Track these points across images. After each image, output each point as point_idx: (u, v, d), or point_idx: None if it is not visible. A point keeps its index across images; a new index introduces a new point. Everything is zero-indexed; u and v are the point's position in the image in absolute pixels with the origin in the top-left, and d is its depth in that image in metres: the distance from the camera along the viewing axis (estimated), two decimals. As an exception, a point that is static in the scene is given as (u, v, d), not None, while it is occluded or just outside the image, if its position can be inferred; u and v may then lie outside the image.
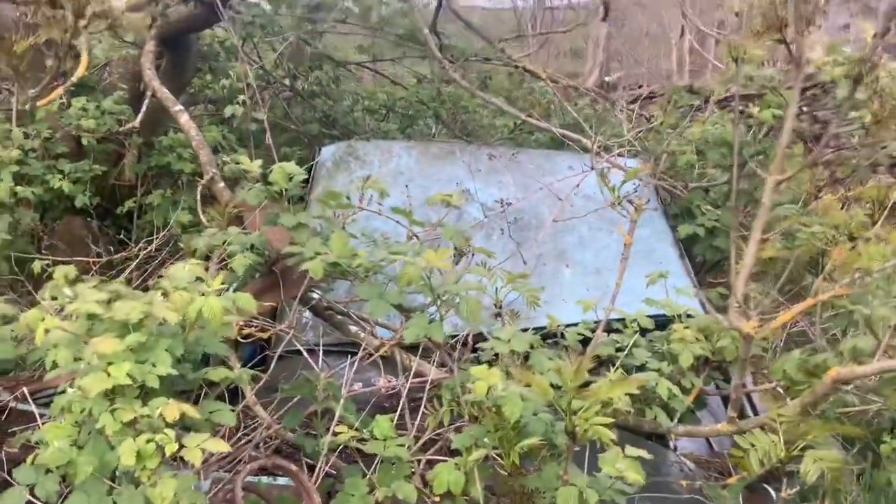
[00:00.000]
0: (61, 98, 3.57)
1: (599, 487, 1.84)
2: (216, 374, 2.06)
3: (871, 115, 1.71)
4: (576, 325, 2.91)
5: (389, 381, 2.82)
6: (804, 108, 4.63)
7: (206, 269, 2.56)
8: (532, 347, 2.42)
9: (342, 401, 2.20)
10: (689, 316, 2.79)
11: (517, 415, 1.83)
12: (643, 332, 2.75)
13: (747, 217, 3.51)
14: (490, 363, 2.19)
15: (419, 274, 2.12)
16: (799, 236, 2.97)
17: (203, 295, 1.94)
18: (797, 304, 2.84)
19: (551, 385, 1.99)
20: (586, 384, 2.06)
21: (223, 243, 2.63)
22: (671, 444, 3.52)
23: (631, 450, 1.85)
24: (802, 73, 1.77)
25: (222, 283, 2.08)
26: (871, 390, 2.90)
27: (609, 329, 2.85)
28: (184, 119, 3.41)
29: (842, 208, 3.21)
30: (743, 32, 1.88)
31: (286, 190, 2.48)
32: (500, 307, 2.67)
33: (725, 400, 3.16)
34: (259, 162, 2.49)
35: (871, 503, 2.84)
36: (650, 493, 2.66)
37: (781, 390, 2.79)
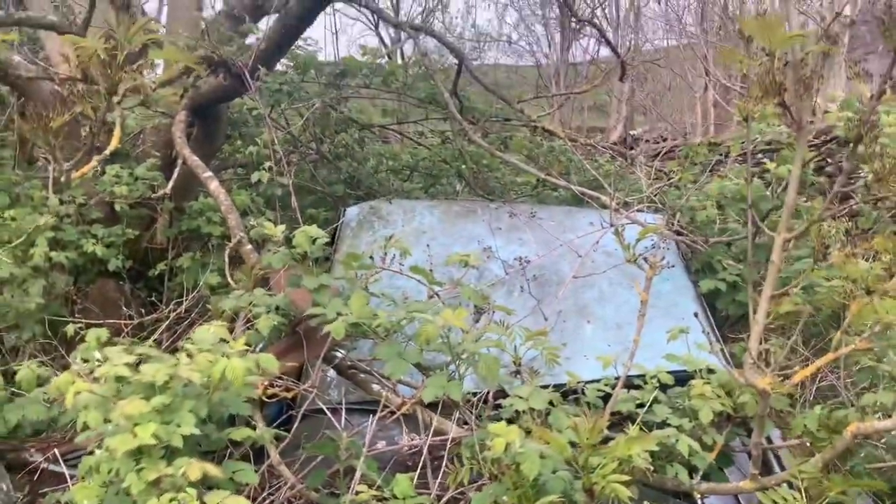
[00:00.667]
0: (96, 166, 3.73)
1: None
2: (239, 433, 2.11)
3: (872, 172, 1.75)
4: (597, 381, 2.92)
5: (412, 440, 2.85)
6: (827, 161, 4.66)
7: (232, 330, 2.65)
8: (552, 404, 2.44)
9: (362, 459, 2.23)
10: (710, 371, 2.79)
11: (535, 472, 1.85)
12: (664, 388, 2.75)
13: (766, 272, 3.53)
14: (510, 420, 2.22)
15: (437, 332, 2.17)
16: (819, 290, 2.97)
17: (226, 356, 2.01)
18: (819, 359, 2.84)
19: (570, 442, 2.02)
20: (606, 441, 2.08)
21: (249, 304, 2.71)
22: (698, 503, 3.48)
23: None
24: (804, 136, 1.82)
25: (247, 344, 2.15)
26: (899, 446, 2.87)
27: (630, 385, 2.86)
28: (213, 185, 3.53)
29: (867, 260, 3.22)
30: (747, 95, 1.94)
31: (309, 252, 2.56)
32: (519, 365, 2.70)
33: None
34: (282, 227, 2.58)
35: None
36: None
37: (809, 446, 2.77)
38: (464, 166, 5.22)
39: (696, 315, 2.11)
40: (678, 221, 4.03)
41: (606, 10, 19.67)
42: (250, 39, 4.37)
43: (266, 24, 4.43)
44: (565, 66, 19.54)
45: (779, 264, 1.95)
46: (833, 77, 10.43)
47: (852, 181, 2.19)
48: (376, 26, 18.68)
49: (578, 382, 2.82)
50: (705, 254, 3.82)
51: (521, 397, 2.26)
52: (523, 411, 2.33)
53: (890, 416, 2.52)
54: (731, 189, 3.81)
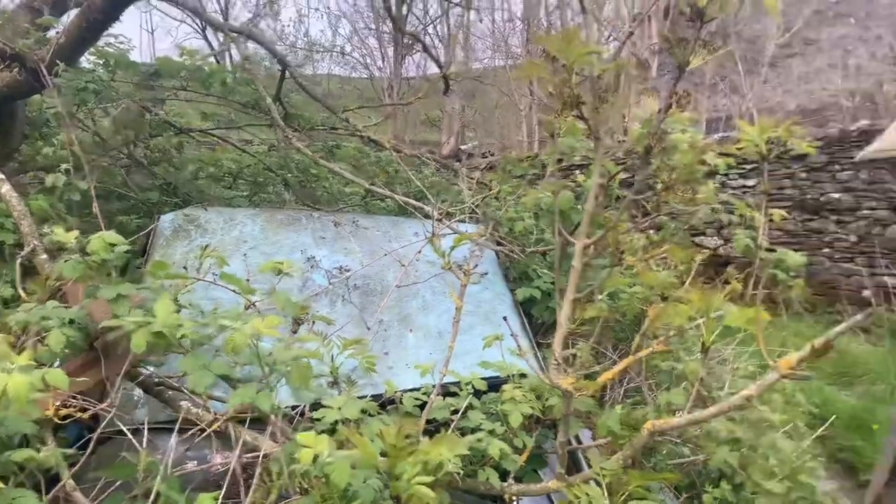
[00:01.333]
0: None
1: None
2: (19, 454, 1.92)
3: (661, 182, 1.87)
4: (416, 390, 2.94)
5: (226, 457, 2.73)
6: (632, 175, 4.98)
7: (17, 345, 2.41)
8: (368, 414, 2.41)
9: (158, 479, 2.09)
10: (522, 376, 2.88)
11: (344, 482, 1.81)
12: (478, 394, 2.81)
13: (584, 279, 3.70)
14: (329, 432, 2.17)
15: (245, 342, 2.08)
16: (621, 297, 3.15)
17: (6, 372, 1.82)
18: (622, 362, 3.01)
19: (382, 452, 2.00)
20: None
21: (40, 319, 2.48)
22: (514, 505, 3.58)
23: (458, 512, 1.87)
24: (601, 148, 1.91)
25: (36, 361, 1.96)
26: (695, 441, 3.09)
27: (448, 393, 2.90)
28: (4, 189, 3.22)
29: (666, 269, 3.46)
30: (549, 109, 2.02)
31: (108, 260, 2.38)
32: (336, 375, 2.65)
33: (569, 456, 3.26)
34: (76, 233, 2.38)
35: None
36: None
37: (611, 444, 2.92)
38: (290, 175, 5.10)
39: (504, 319, 2.16)
40: (497, 232, 4.14)
41: (438, 28, 20.13)
42: (52, 33, 4.05)
43: (69, 17, 4.12)
44: (398, 80, 19.78)
45: (579, 269, 2.04)
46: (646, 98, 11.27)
47: (652, 194, 2.34)
48: (203, 29, 18.03)
49: (396, 392, 2.82)
50: (522, 263, 3.96)
51: (332, 407, 2.21)
52: (340, 422, 2.29)
53: (682, 413, 2.71)
54: (546, 201, 3.98)
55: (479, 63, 21.43)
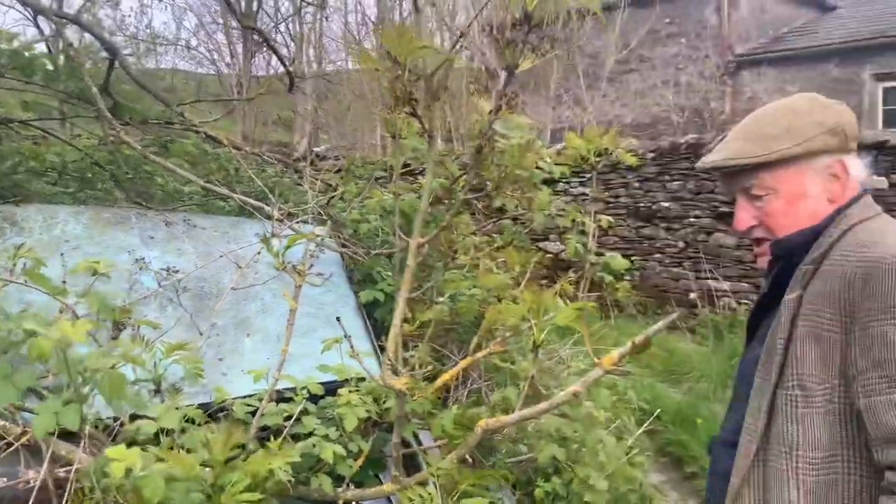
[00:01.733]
0: None
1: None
2: None
3: (491, 181, 1.89)
4: (250, 396, 2.82)
5: (38, 473, 2.51)
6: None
7: None
8: (193, 422, 2.29)
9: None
10: (361, 380, 2.83)
11: (157, 497, 1.69)
12: (316, 399, 2.74)
13: (425, 280, 3.71)
14: (149, 444, 2.04)
15: (51, 348, 1.91)
16: (461, 299, 3.18)
17: None
18: (461, 363, 3.03)
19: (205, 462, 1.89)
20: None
21: None
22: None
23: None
24: (435, 145, 1.90)
25: None
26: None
27: (285, 399, 2.80)
28: None
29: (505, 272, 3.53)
30: (385, 106, 1.99)
31: None
32: (160, 383, 2.50)
33: (405, 458, 3.25)
34: None
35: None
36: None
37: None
38: (120, 171, 4.79)
39: (338, 319, 2.11)
40: (342, 234, 4.08)
41: (290, 27, 19.77)
42: None
43: None
44: (248, 78, 19.22)
45: (413, 268, 2.03)
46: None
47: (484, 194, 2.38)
48: (35, 16, 16.77)
49: (226, 399, 2.69)
50: (366, 265, 3.92)
51: (151, 417, 2.08)
52: (162, 432, 2.16)
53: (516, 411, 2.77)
54: (391, 203, 3.96)
55: (332, 64, 21.24)
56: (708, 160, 1.71)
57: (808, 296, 1.48)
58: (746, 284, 9.06)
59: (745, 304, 8.93)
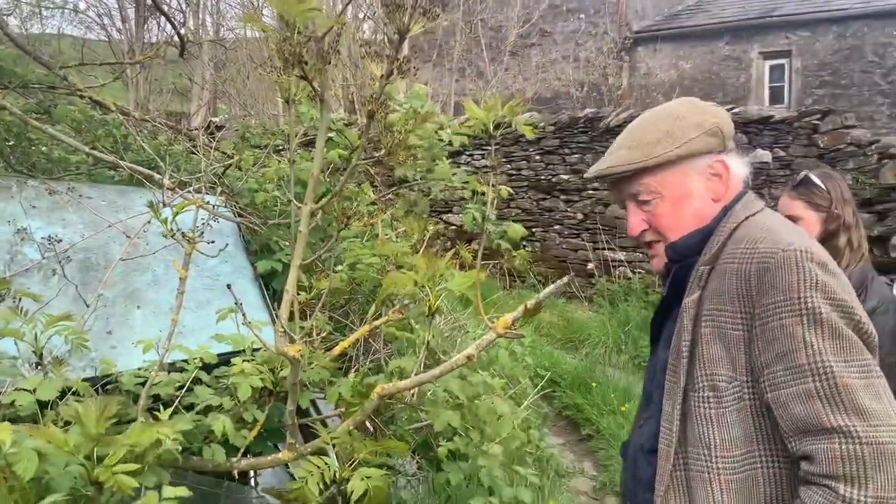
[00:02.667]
0: None
1: (135, 537, 1.71)
2: None
3: (384, 147, 1.89)
4: (140, 368, 2.74)
5: None
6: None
7: None
8: (75, 394, 2.20)
9: None
10: (257, 349, 2.79)
11: (31, 472, 1.62)
12: (210, 369, 2.68)
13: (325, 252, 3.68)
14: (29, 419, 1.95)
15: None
16: (359, 267, 3.17)
17: None
18: (358, 331, 3.03)
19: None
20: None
21: None
22: (252, 482, 3.49)
23: (170, 490, 1.76)
24: (327, 109, 1.87)
25: None
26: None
27: (178, 369, 2.73)
28: None
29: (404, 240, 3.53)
30: (272, 67, 1.95)
31: None
32: (41, 355, 2.39)
33: (306, 429, 3.23)
34: None
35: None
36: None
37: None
38: (-1, 137, 4.50)
39: (228, 287, 2.07)
40: (238, 203, 3.99)
41: (186, -9, 18.93)
42: None
43: None
44: (140, 44, 18.32)
45: (305, 234, 2.00)
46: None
47: (376, 160, 2.35)
48: None
49: (113, 371, 2.61)
50: (264, 235, 3.84)
51: (26, 389, 1.99)
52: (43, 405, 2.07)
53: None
54: (288, 171, 3.88)
55: (231, 31, 20.54)
56: (592, 170, 1.74)
57: (707, 295, 1.50)
58: (641, 254, 9.40)
59: (639, 272, 9.27)
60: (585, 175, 1.88)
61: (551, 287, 2.31)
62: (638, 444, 1.73)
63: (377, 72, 1.88)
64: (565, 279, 2.43)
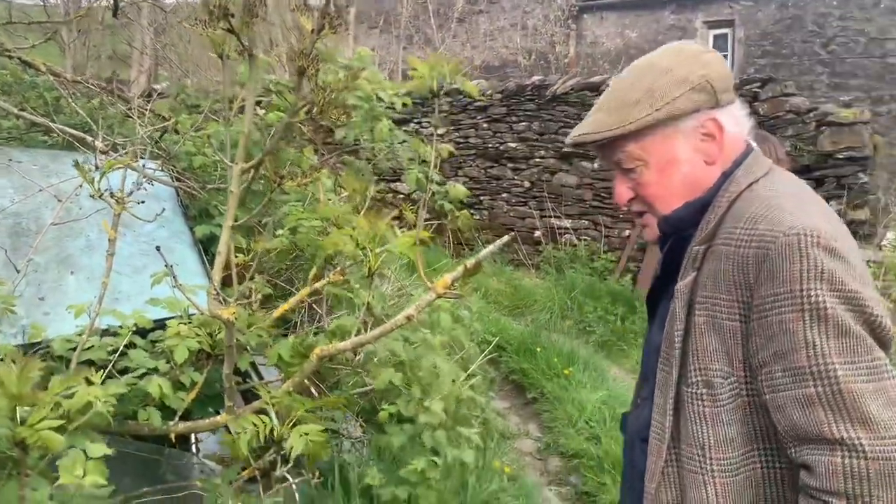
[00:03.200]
0: None
1: (64, 497, 1.69)
2: None
3: (315, 105, 1.85)
4: (75, 334, 2.67)
5: None
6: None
7: None
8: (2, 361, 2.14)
9: None
10: (193, 314, 2.75)
11: (-50, 435, 1.58)
12: (143, 333, 2.63)
13: (265, 216, 3.62)
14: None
15: None
16: (300, 231, 3.14)
17: None
18: (299, 293, 3.01)
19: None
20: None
21: None
22: (194, 448, 3.47)
23: (96, 449, 1.74)
24: (256, 65, 1.83)
25: None
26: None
27: (113, 334, 2.68)
28: None
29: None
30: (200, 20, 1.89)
31: None
32: (-35, 319, 2.32)
33: (248, 394, 3.21)
34: None
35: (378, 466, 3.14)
36: (163, 497, 2.56)
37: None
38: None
39: (157, 249, 2.02)
40: (175, 167, 3.90)
41: (124, -48, 18.27)
42: None
43: None
44: (77, 7, 17.68)
45: (238, 194, 1.97)
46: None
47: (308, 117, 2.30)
48: None
49: (43, 336, 2.54)
50: (203, 199, 3.77)
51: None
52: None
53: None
54: (233, 135, 3.81)
55: (172, -4, 19.91)
56: (569, 138, 1.56)
57: (702, 280, 1.35)
58: (586, 221, 9.51)
59: (585, 240, 9.39)
60: (566, 141, 1.62)
61: (491, 247, 2.32)
62: (635, 428, 1.62)
63: (307, 26, 1.85)
64: (506, 238, 2.44)
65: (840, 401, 1.15)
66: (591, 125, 1.49)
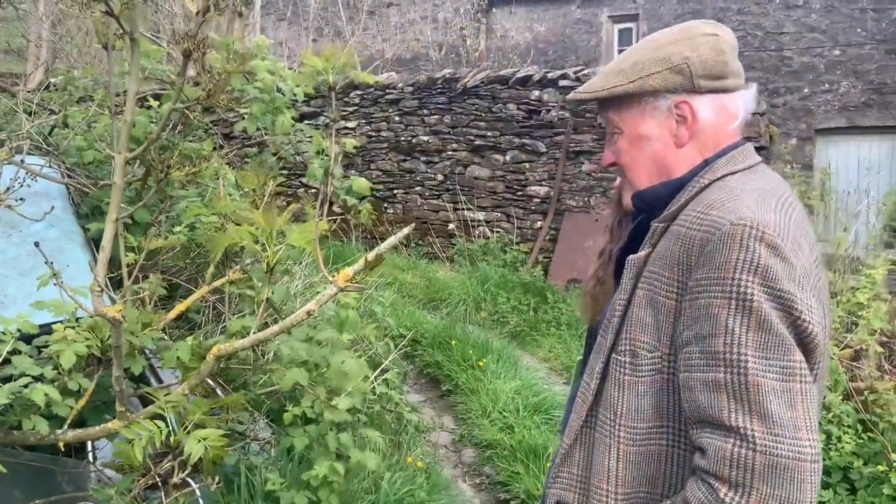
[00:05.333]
0: None
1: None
2: None
3: (202, 89, 1.78)
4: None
5: None
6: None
7: None
8: None
9: None
10: (82, 316, 2.62)
11: None
12: (28, 338, 2.49)
13: (165, 213, 3.48)
14: None
15: None
16: (198, 227, 3.04)
17: None
18: (197, 293, 2.90)
19: None
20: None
21: None
22: (91, 457, 3.31)
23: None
24: (137, 48, 1.74)
25: None
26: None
27: (-6, 341, 2.52)
28: None
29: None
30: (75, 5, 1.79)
31: None
32: None
33: (142, 397, 3.08)
34: None
35: (279, 470, 3.07)
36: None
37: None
38: None
39: (36, 245, 1.91)
40: (65, 163, 3.71)
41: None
42: None
43: None
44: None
45: (121, 185, 1.88)
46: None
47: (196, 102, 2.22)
48: None
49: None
50: (95, 196, 3.60)
51: None
52: None
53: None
54: (119, 127, 3.65)
55: (68, -15, 19.05)
56: (571, 94, 1.58)
57: (653, 256, 1.38)
58: (499, 213, 9.59)
59: (498, 232, 9.47)
60: (567, 97, 1.68)
61: (391, 239, 2.29)
62: (572, 391, 1.66)
63: (192, 7, 1.77)
64: (406, 230, 2.41)
65: (744, 391, 1.18)
66: (587, 85, 1.53)
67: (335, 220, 3.32)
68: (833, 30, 12.76)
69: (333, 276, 2.19)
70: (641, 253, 1.40)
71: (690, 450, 1.30)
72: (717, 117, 1.44)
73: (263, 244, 2.32)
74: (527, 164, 9.40)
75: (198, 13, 1.74)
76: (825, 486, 3.58)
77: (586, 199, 9.05)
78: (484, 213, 9.66)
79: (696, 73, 1.41)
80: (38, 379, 2.28)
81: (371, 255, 2.16)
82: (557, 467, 1.50)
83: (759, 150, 7.61)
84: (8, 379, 2.33)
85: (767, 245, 1.21)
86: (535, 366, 6.51)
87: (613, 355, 1.39)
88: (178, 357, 2.48)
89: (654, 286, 1.35)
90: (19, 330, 2.45)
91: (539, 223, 9.26)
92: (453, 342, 6.37)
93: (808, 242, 1.32)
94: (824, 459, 3.09)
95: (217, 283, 2.58)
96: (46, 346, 2.51)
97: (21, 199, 2.36)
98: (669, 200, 1.43)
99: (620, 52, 14.56)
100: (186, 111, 2.73)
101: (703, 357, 1.22)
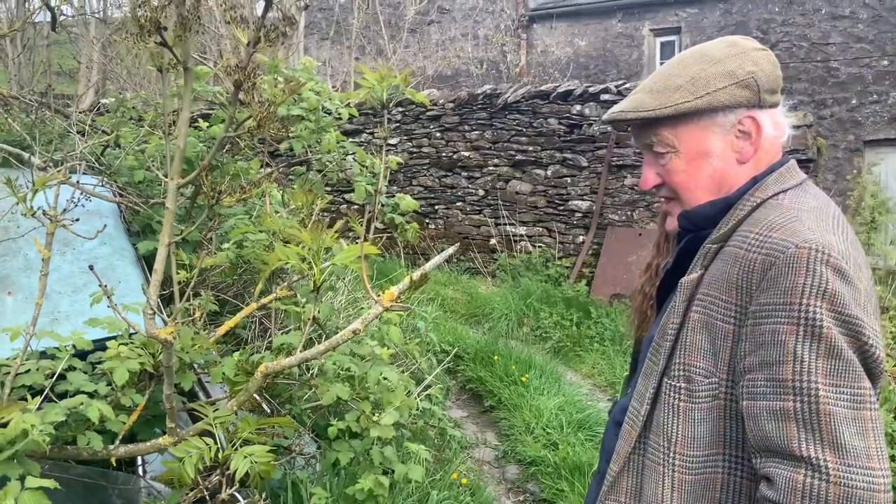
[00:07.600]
0: None
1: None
2: None
3: (253, 118, 1.82)
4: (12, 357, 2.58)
5: None
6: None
7: None
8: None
9: None
10: (134, 333, 2.68)
11: None
12: (83, 355, 2.55)
13: (211, 231, 3.55)
14: None
15: None
16: (246, 245, 3.09)
17: None
18: (243, 311, 2.95)
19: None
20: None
21: None
22: (140, 471, 3.38)
23: (33, 480, 1.67)
24: (191, 77, 1.79)
25: None
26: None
27: (51, 357, 2.59)
28: None
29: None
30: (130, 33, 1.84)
31: None
32: None
33: (191, 412, 3.13)
34: None
35: (324, 484, 3.09)
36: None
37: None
38: None
39: (91, 268, 1.96)
40: (117, 182, 3.81)
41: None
42: None
43: None
44: (24, 22, 17.30)
45: (173, 210, 1.92)
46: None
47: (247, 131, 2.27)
48: None
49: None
50: (146, 215, 3.69)
51: None
52: None
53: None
54: (172, 149, 3.73)
55: (119, 9, 19.59)
56: (607, 114, 1.51)
57: (707, 278, 1.34)
58: (540, 228, 9.57)
59: (540, 247, 9.44)
60: (602, 118, 1.63)
61: (436, 258, 2.30)
62: (613, 413, 1.63)
63: (242, 39, 1.81)
64: (451, 250, 2.43)
65: (815, 420, 1.14)
66: (631, 103, 1.46)
67: (380, 238, 3.35)
68: (881, 39, 12.50)
69: (378, 296, 2.20)
70: (694, 275, 1.37)
71: (749, 478, 1.27)
72: (775, 132, 1.42)
73: (310, 262, 2.35)
74: (568, 179, 9.37)
75: (248, 44, 1.78)
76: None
77: (629, 213, 8.98)
78: (525, 227, 9.64)
79: (763, 89, 1.38)
80: (92, 395, 2.33)
81: (416, 275, 2.17)
82: (605, 495, 1.46)
83: (806, 162, 7.48)
84: (63, 394, 2.39)
85: (833, 269, 1.18)
86: (578, 382, 6.46)
87: (666, 380, 1.36)
88: (223, 373, 2.52)
89: (710, 310, 1.31)
90: (74, 346, 2.51)
91: (581, 238, 9.21)
92: (496, 357, 6.35)
93: (864, 262, 1.29)
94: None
95: (265, 301, 2.62)
96: (100, 363, 2.57)
97: (76, 219, 2.42)
98: (717, 220, 1.40)
99: (664, 64, 14.43)
100: (237, 138, 2.79)
101: (770, 384, 1.19)
